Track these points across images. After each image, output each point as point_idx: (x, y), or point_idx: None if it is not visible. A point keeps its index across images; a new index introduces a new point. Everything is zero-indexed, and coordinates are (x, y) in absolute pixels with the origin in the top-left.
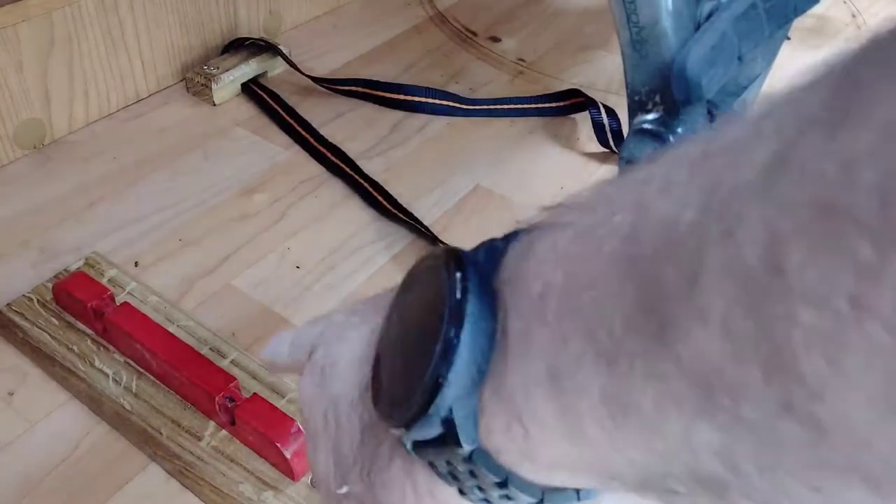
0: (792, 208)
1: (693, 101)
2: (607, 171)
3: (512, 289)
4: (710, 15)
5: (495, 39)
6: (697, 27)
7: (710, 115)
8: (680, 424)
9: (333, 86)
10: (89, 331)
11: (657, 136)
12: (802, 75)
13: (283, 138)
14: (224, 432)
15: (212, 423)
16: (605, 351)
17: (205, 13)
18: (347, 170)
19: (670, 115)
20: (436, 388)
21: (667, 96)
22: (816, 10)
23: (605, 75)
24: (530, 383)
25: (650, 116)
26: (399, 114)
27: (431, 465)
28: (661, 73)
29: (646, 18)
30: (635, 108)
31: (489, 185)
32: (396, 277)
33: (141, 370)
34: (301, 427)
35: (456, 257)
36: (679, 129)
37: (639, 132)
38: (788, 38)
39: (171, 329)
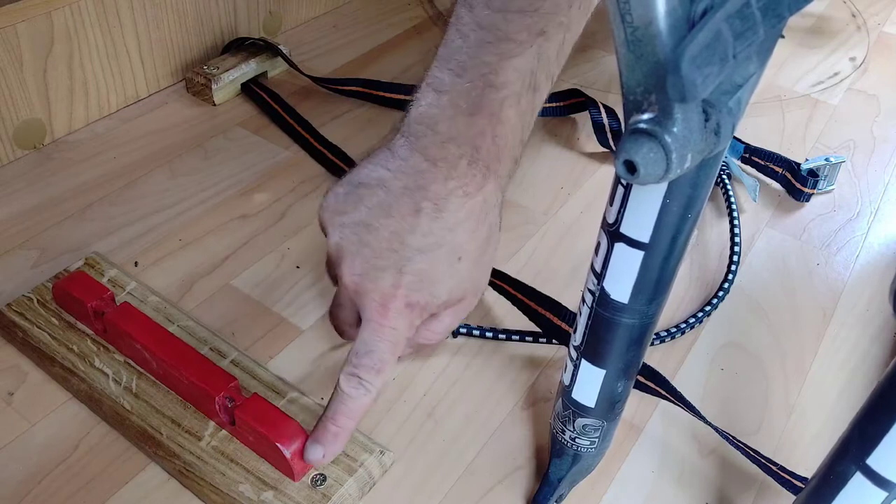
0: None
1: (688, 101)
2: (607, 170)
3: None
4: (704, 13)
5: None
6: (692, 26)
7: (706, 115)
8: None
9: (333, 86)
10: (89, 331)
11: (652, 136)
12: None
13: (283, 138)
14: (224, 432)
15: (212, 423)
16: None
17: (205, 13)
18: (347, 170)
19: (665, 115)
20: None
21: (662, 96)
22: (816, 10)
23: (605, 75)
24: None
25: (645, 116)
26: (399, 114)
27: None
28: (655, 73)
29: (639, 18)
30: (631, 108)
31: None
32: None
33: (141, 370)
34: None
35: None
36: (675, 129)
37: (634, 132)
38: (783, 37)
39: (171, 329)
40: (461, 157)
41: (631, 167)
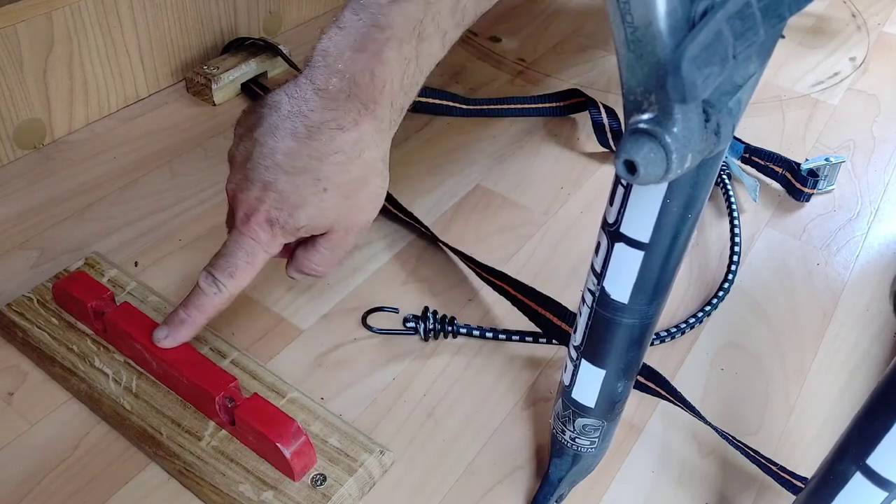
0: None
1: (689, 101)
2: (607, 170)
3: None
4: (704, 14)
5: (495, 39)
6: (692, 26)
7: (706, 115)
8: None
9: None
10: (89, 331)
11: (653, 136)
12: None
13: None
14: (224, 432)
15: (212, 423)
16: None
17: (205, 13)
18: None
19: (666, 115)
20: None
21: (662, 96)
22: (816, 10)
23: (605, 75)
24: None
25: (645, 116)
26: None
27: None
28: (656, 74)
29: (640, 19)
30: (631, 108)
31: (489, 185)
32: (397, 277)
33: (141, 370)
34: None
35: None
36: (675, 129)
37: (634, 132)
38: (783, 37)
39: None
40: (341, 91)
41: (631, 167)
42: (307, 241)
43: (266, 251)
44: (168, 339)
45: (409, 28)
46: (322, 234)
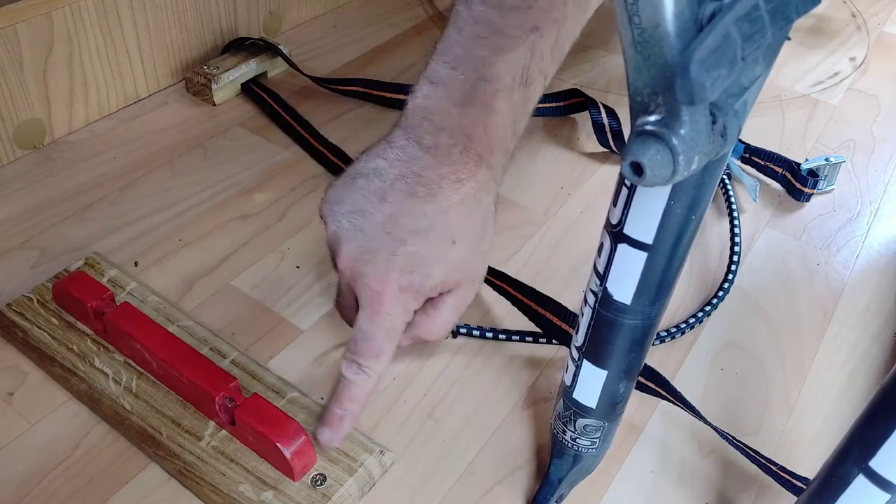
0: None
1: (697, 103)
2: (607, 170)
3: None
4: (712, 16)
5: None
6: (700, 28)
7: (713, 117)
8: None
9: (333, 86)
10: (89, 331)
11: (660, 138)
12: None
13: (283, 138)
14: (224, 432)
15: (212, 423)
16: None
17: (205, 13)
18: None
19: (673, 117)
20: None
21: (669, 98)
22: (816, 9)
23: (605, 75)
24: None
25: (652, 118)
26: (399, 114)
27: None
28: (663, 75)
29: (647, 20)
30: (637, 109)
31: None
32: None
33: (141, 370)
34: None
35: None
36: (682, 131)
37: (641, 134)
38: (789, 39)
39: (171, 329)
40: (454, 146)
41: (638, 169)
42: (426, 306)
43: (404, 320)
44: (334, 437)
45: (516, 77)
46: (447, 293)
